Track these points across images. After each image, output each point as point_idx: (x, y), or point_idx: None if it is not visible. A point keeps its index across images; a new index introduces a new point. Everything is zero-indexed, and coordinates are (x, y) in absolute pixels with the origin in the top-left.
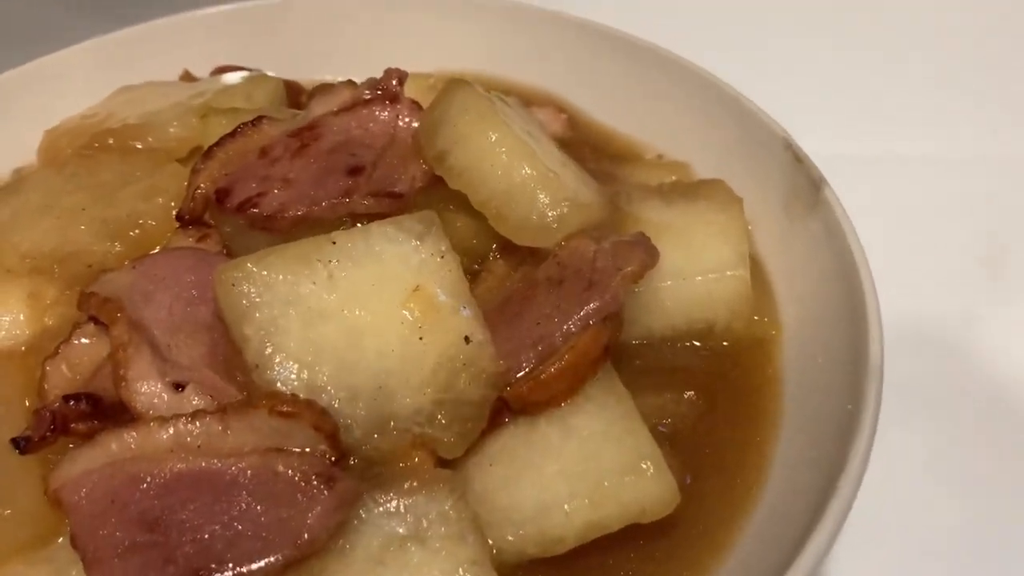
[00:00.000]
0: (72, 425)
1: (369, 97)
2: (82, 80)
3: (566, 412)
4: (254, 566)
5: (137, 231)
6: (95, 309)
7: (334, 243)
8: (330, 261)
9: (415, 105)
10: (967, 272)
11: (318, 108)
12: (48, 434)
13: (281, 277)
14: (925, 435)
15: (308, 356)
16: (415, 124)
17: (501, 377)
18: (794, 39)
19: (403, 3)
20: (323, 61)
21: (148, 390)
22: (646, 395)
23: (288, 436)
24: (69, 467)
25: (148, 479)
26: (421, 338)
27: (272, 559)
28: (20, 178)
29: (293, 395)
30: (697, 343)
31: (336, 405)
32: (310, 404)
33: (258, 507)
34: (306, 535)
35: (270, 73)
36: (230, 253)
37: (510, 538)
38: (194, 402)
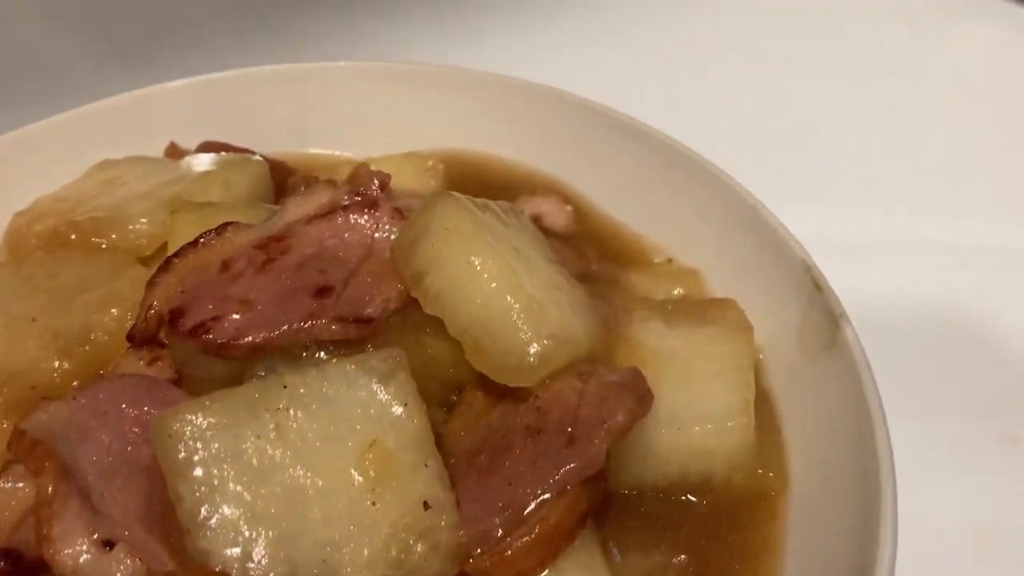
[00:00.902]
0: None
1: (347, 203)
2: (63, 152)
3: None
4: None
5: (88, 347)
6: (23, 453)
7: (284, 387)
8: (279, 409)
9: (396, 213)
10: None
11: (292, 212)
12: None
13: (223, 430)
14: None
15: (245, 523)
16: (393, 231)
17: (462, 548)
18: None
19: (403, 76)
20: (319, 134)
21: (73, 549)
22: (631, 555)
23: None
24: None
25: None
26: (374, 503)
27: None
28: None
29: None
30: (692, 497)
31: None
32: None
33: None
34: None
35: (257, 153)
36: (182, 377)
37: None
38: (124, 565)
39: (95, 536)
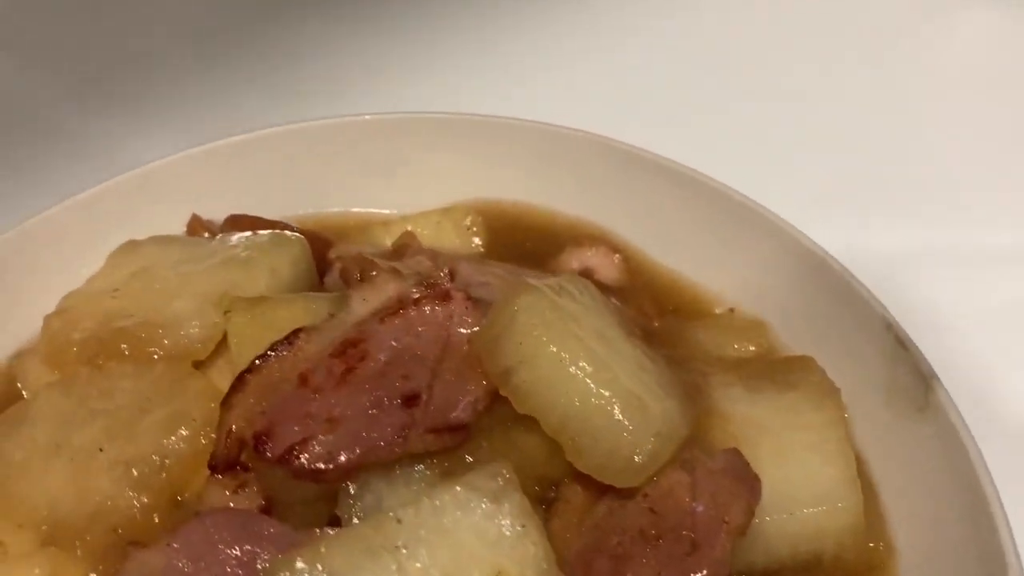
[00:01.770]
0: None
1: (418, 296)
2: (80, 235)
3: None
4: None
5: (164, 474)
6: None
7: (399, 521)
8: (396, 547)
9: (469, 302)
10: None
11: (359, 308)
12: None
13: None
14: None
15: None
16: (469, 321)
17: None
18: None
19: (429, 127)
20: (344, 193)
21: None
22: None
23: None
24: None
25: None
26: None
27: None
28: (25, 402)
29: None
30: None
31: None
32: None
33: None
34: None
35: (292, 225)
36: (269, 504)
37: None
38: None
39: None
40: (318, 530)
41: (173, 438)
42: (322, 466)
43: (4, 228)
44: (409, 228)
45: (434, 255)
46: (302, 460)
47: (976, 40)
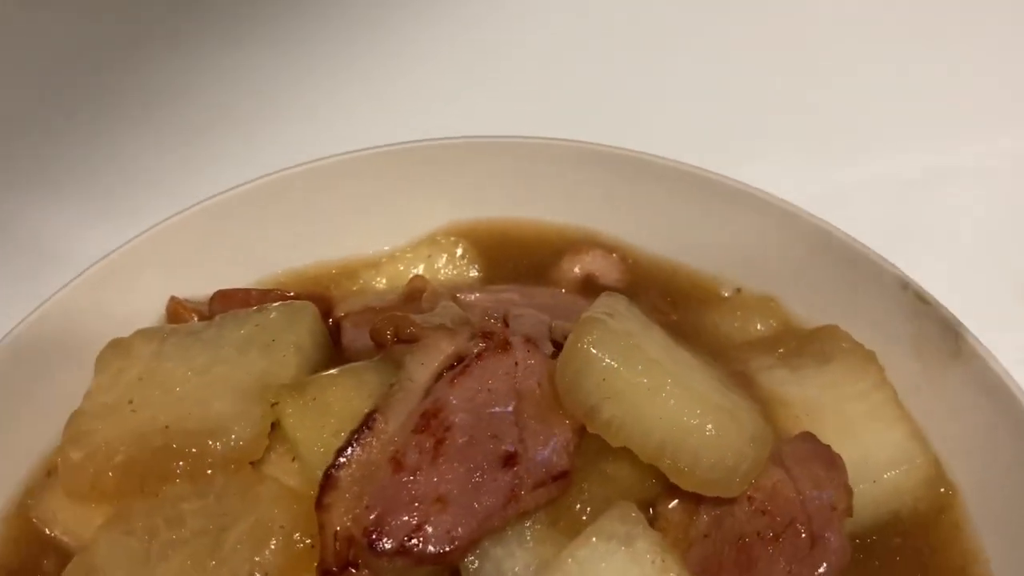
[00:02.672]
0: None
1: (479, 350)
2: (55, 342)
3: None
4: None
5: None
6: None
7: None
8: None
9: (530, 345)
10: None
11: (418, 373)
12: None
13: None
14: None
15: None
16: (533, 364)
17: None
18: None
19: (395, 158)
20: (324, 241)
21: None
22: None
23: None
24: None
25: None
26: None
27: None
28: (87, 553)
29: None
30: (885, 535)
31: None
32: None
33: None
34: None
35: (285, 295)
36: None
37: None
38: None
39: None
40: None
41: (266, 552)
42: (447, 548)
43: None
44: (402, 268)
45: (454, 297)
46: (424, 547)
47: None
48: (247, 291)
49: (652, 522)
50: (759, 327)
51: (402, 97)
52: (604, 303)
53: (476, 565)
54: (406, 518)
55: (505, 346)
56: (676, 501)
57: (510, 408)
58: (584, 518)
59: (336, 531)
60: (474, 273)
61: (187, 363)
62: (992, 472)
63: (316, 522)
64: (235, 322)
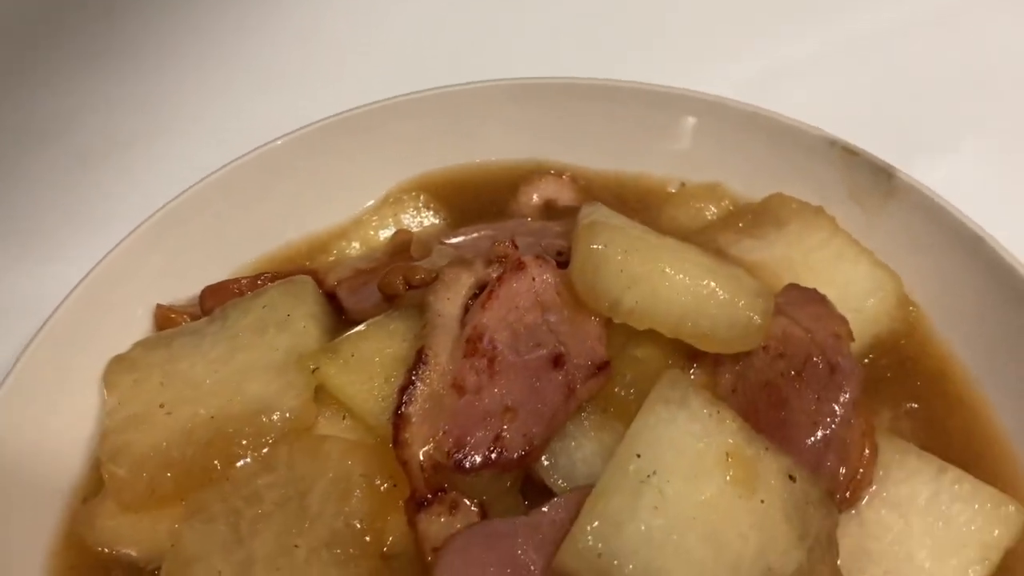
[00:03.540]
0: None
1: (498, 275)
2: (53, 371)
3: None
4: None
5: (367, 538)
6: None
7: (638, 456)
8: (649, 477)
9: (541, 260)
10: None
11: (445, 306)
12: None
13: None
14: None
15: None
16: (547, 276)
17: (830, 495)
18: None
19: (339, 129)
20: (288, 223)
21: None
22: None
23: None
24: None
25: None
26: (762, 501)
27: None
28: (172, 552)
29: None
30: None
31: None
32: None
33: None
34: None
35: (270, 279)
36: (484, 510)
37: None
38: None
39: None
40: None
41: (353, 501)
42: (526, 449)
43: None
44: (372, 231)
45: (440, 242)
46: (508, 454)
47: None
48: (235, 281)
49: None
50: (713, 211)
51: (292, 81)
52: (590, 211)
53: (551, 462)
54: (483, 433)
55: (521, 266)
56: (696, 367)
57: (541, 318)
58: (631, 399)
59: (421, 462)
60: (440, 221)
61: (204, 358)
62: (945, 284)
63: (390, 465)
64: (238, 311)
